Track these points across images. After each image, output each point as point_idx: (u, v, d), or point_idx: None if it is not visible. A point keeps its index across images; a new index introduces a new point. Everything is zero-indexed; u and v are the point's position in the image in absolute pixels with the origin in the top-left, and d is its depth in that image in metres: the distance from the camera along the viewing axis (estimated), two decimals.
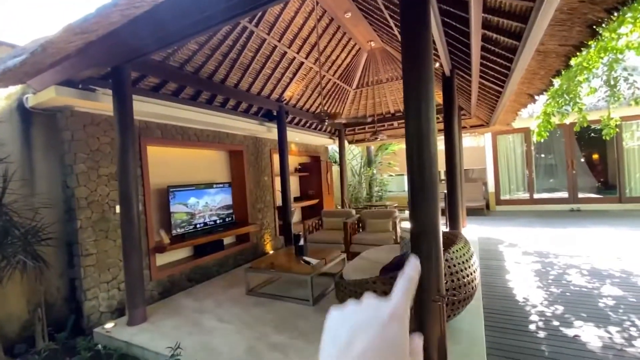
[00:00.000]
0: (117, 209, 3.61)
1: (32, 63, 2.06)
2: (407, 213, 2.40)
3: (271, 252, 6.13)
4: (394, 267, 2.70)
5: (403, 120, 7.72)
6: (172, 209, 4.31)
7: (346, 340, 0.28)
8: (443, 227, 3.03)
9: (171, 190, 4.31)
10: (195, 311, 3.50)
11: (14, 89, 3.20)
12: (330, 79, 6.61)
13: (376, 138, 6.44)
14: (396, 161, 10.39)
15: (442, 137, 6.69)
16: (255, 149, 6.01)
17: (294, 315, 3.25)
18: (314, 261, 3.66)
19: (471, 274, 2.73)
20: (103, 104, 3.31)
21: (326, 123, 4.18)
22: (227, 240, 5.39)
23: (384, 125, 8.23)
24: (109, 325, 3.21)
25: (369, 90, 7.54)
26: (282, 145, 5.85)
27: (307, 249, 4.11)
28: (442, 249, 2.04)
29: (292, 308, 3.42)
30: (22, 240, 2.75)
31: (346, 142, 8.87)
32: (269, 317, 3.23)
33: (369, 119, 5.26)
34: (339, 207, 9.35)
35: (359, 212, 5.94)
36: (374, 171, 10.26)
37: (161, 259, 4.29)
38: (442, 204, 7.63)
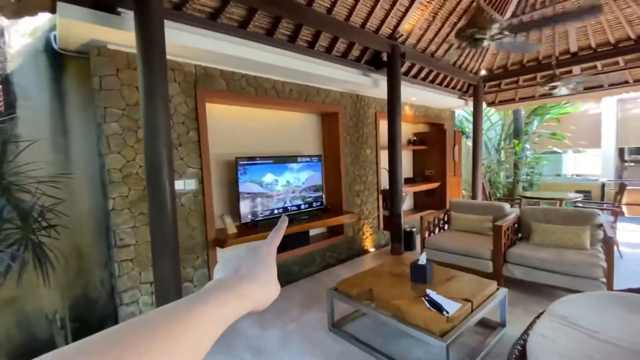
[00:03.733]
0: None
1: None
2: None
3: (371, 250, 4.60)
4: None
5: (593, 63, 4.58)
6: (242, 188, 3.20)
7: (234, 267, 0.39)
8: None
9: (240, 163, 3.19)
10: (252, 348, 2.30)
11: (39, 23, 2.44)
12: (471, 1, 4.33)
13: (553, 88, 3.93)
14: (565, 131, 7.10)
15: None
16: (355, 112, 4.42)
17: None
18: (450, 306, 1.94)
19: None
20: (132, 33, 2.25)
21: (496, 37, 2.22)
22: (314, 230, 4.11)
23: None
24: None
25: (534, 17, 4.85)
26: (393, 105, 4.11)
27: (432, 273, 2.38)
28: None
29: None
30: (23, 226, 1.96)
31: (484, 105, 6.35)
32: None
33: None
34: (464, 194, 7.05)
35: (512, 207, 3.76)
36: (526, 145, 7.30)
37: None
38: None
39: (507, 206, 3.59)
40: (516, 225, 3.42)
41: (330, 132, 4.22)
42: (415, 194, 5.92)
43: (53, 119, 2.51)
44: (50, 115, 2.50)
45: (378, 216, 4.80)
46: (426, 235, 3.70)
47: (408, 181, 5.66)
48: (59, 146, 2.53)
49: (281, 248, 3.56)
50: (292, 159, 3.67)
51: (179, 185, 2.76)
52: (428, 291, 2.13)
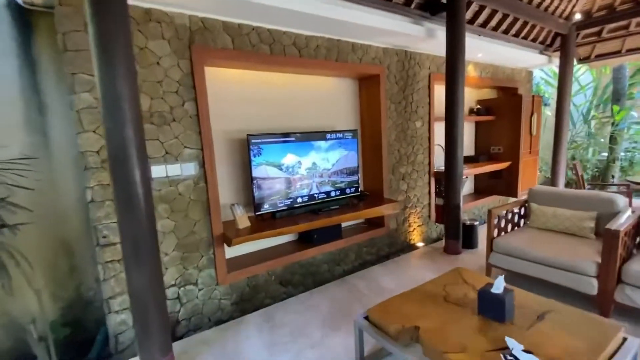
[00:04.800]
0: (153, 170, 2.16)
1: None
2: None
3: (419, 244, 3.81)
4: None
5: None
6: (255, 172, 2.60)
7: None
8: None
9: (253, 141, 2.57)
10: None
11: None
12: None
13: None
14: None
15: None
16: (402, 73, 3.51)
17: None
18: None
19: None
20: None
21: None
22: (348, 221, 3.43)
23: None
24: None
25: None
26: (454, 63, 3.16)
27: (512, 304, 1.58)
28: None
29: None
30: None
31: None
32: None
33: None
34: (540, 173, 5.76)
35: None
36: (633, 113, 5.65)
37: (239, 248, 2.78)
38: None
39: (620, 199, 2.53)
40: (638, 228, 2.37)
41: (370, 100, 3.39)
42: (476, 176, 4.87)
43: (25, 92, 2.09)
44: (21, 86, 2.08)
45: (429, 204, 3.94)
46: (495, 233, 2.81)
47: (468, 160, 4.63)
48: (33, 124, 2.12)
49: (307, 243, 2.98)
50: (320, 135, 2.96)
51: (174, 170, 2.24)
52: (509, 342, 1.35)
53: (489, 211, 2.77)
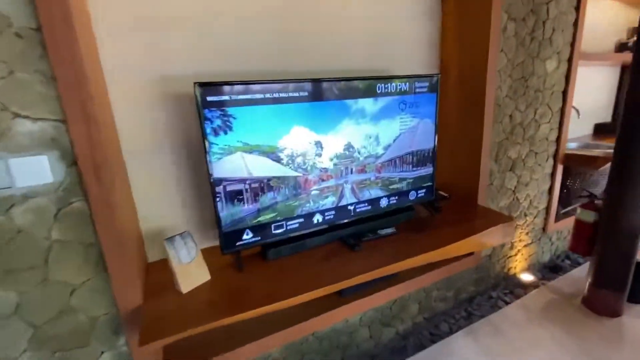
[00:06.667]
0: None
1: None
2: None
3: (525, 277, 2.24)
4: None
5: None
6: (219, 167, 1.16)
7: None
8: None
9: (210, 99, 1.09)
10: None
11: None
12: None
13: None
14: None
15: None
16: None
17: None
18: None
19: None
20: None
21: None
22: (417, 264, 1.93)
23: None
24: None
25: None
26: None
27: None
28: None
29: None
30: None
31: None
32: None
33: None
34: None
35: None
36: None
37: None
38: None
39: None
40: None
41: (466, 15, 1.70)
42: None
43: None
44: None
45: (546, 209, 2.29)
46: None
47: (601, 130, 2.84)
48: None
49: (331, 295, 1.58)
50: (363, 87, 1.40)
51: None
52: None
53: None
